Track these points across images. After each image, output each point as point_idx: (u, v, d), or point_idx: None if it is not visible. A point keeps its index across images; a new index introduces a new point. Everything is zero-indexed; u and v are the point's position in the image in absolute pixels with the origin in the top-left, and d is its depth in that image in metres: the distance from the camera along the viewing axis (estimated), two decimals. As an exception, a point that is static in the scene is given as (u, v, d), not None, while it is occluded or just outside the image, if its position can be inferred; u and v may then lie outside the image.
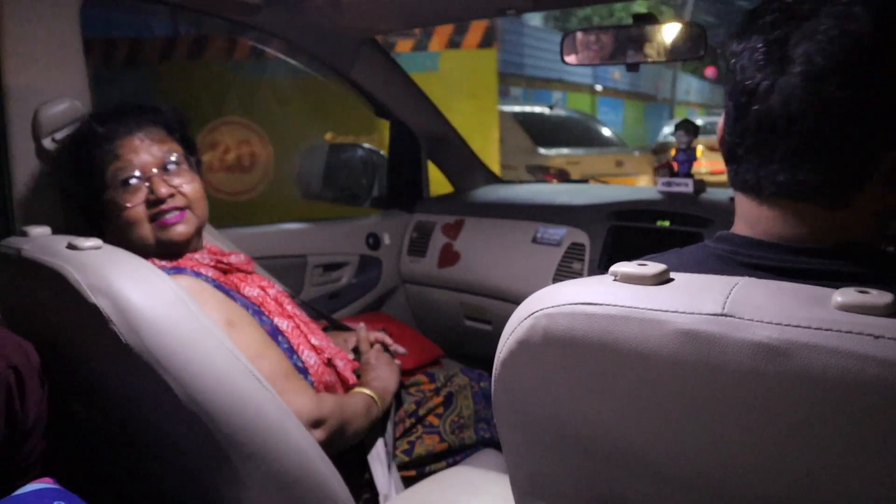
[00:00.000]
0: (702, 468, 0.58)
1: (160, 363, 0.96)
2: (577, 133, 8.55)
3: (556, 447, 0.68)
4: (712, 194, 1.85)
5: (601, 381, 0.61)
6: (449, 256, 2.24)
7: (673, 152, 1.92)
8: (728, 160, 0.77)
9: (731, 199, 0.80)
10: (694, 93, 21.50)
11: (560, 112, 9.21)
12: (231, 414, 1.00)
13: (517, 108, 8.96)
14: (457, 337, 2.26)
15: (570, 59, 1.85)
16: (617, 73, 19.27)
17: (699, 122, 13.58)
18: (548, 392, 0.65)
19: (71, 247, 1.07)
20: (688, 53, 1.71)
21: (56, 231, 1.29)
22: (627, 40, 1.76)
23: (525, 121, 7.88)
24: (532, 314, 0.63)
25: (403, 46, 5.62)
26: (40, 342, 1.28)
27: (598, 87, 17.85)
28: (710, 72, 19.79)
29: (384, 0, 1.86)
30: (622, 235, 1.87)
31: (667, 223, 1.81)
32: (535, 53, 14.38)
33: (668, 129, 13.14)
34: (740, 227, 0.77)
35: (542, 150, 7.62)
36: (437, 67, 5.53)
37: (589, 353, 0.60)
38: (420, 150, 2.45)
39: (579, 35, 1.84)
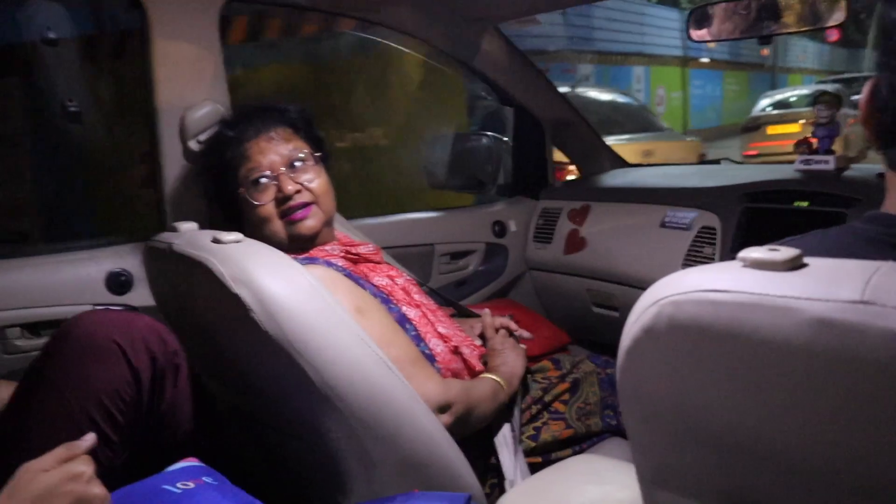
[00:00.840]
0: (834, 463, 0.55)
1: (297, 350, 1.01)
2: (603, 116, 7.16)
3: (680, 438, 0.66)
4: (858, 171, 1.73)
5: (728, 372, 0.59)
6: (575, 243, 2.22)
7: (796, 128, 1.79)
8: (879, 136, 0.71)
9: (880, 176, 0.74)
10: (811, 58, 19.72)
11: (587, 92, 8.06)
12: (363, 398, 1.04)
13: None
14: (584, 324, 2.24)
15: (699, 34, 1.78)
16: (712, 43, 18.40)
17: (804, 91, 11.52)
18: (672, 381, 0.64)
19: (215, 241, 1.14)
20: (830, 20, 1.60)
21: (202, 226, 1.38)
22: (763, 10, 1.67)
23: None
24: (657, 301, 0.62)
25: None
26: (187, 328, 1.38)
27: (706, 59, 17.04)
28: (832, 34, 17.40)
29: None
30: (757, 218, 1.78)
31: (805, 204, 1.70)
32: (609, 25, 13.55)
33: (765, 102, 12.21)
34: (893, 206, 0.71)
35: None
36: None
37: (716, 342, 0.58)
38: (544, 137, 2.43)
39: (708, 9, 1.76)
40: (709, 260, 1.81)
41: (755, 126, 11.67)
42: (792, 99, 12.21)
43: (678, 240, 1.90)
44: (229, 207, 1.46)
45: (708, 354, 0.59)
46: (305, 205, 1.40)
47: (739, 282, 0.56)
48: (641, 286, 1.95)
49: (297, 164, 1.41)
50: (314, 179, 1.42)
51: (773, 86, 17.80)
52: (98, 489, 0.88)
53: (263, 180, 1.39)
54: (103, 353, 1.11)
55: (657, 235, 1.96)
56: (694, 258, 1.84)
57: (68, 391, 1.09)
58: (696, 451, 0.66)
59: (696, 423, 0.64)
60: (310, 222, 1.40)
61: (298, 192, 1.39)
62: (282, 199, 1.39)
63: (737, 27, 1.72)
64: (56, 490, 0.84)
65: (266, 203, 1.39)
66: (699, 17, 1.78)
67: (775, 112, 11.69)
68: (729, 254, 1.78)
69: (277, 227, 1.40)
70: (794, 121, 10.81)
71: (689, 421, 0.64)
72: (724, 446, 0.62)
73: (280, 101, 1.51)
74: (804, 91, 12.47)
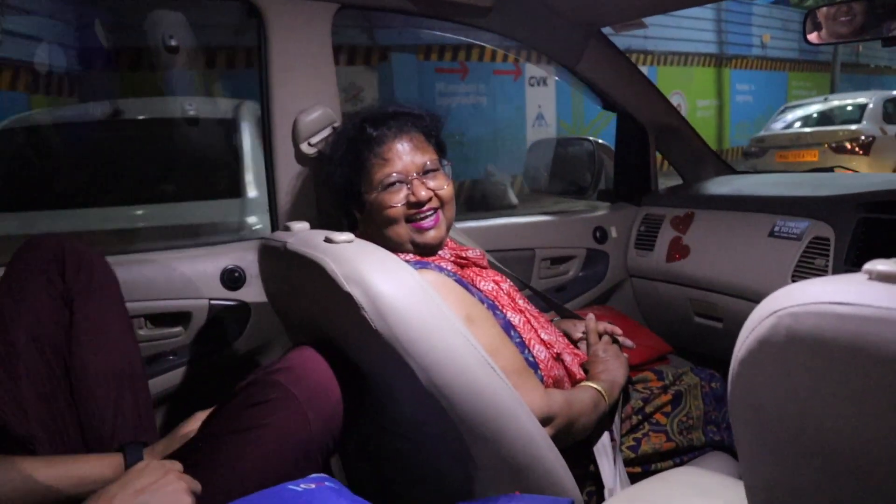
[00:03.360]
0: None
1: (405, 349, 1.04)
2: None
3: (794, 455, 0.64)
4: None
5: (849, 387, 0.57)
6: (678, 250, 2.17)
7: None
8: None
9: None
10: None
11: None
12: (468, 400, 1.05)
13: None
14: (685, 334, 2.19)
15: (813, 37, 1.71)
16: (767, 37, 15.35)
17: (840, 102, 9.25)
18: (788, 395, 0.62)
19: (328, 240, 1.19)
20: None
21: (311, 226, 1.43)
22: (885, 9, 1.59)
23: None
24: (775, 312, 0.61)
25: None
26: (297, 324, 1.43)
27: (756, 54, 14.29)
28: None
29: None
30: (875, 229, 1.69)
31: None
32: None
33: (786, 118, 9.43)
34: None
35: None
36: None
37: (837, 356, 0.56)
38: (648, 142, 2.40)
39: (824, 10, 1.70)
40: (821, 272, 1.74)
41: (759, 151, 9.20)
42: (816, 114, 9.30)
43: (788, 250, 1.83)
44: (349, 205, 1.50)
45: (828, 369, 0.58)
46: (434, 210, 1.43)
47: (865, 295, 0.55)
48: (748, 297, 1.91)
49: (429, 171, 1.45)
50: (443, 186, 1.45)
51: (833, 89, 14.45)
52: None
53: (397, 183, 1.43)
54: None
55: (765, 245, 1.90)
56: (805, 270, 1.77)
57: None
58: (811, 470, 0.64)
59: (812, 441, 0.62)
60: (435, 233, 1.43)
61: (430, 199, 1.43)
62: (412, 204, 1.42)
63: (852, 29, 1.65)
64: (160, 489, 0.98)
65: (396, 205, 1.42)
66: (813, 20, 1.72)
67: (790, 132, 9.08)
68: (843, 266, 1.70)
69: (402, 229, 1.43)
70: (812, 145, 8.56)
71: (804, 437, 0.63)
72: (839, 466, 0.61)
73: (415, 107, 1.54)
74: (841, 102, 9.42)
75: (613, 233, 2.34)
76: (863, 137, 8.41)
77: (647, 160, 2.42)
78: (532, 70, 11.35)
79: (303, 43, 1.70)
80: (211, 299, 1.73)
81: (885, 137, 8.48)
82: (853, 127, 8.60)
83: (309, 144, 1.65)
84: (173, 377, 1.72)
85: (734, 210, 2.07)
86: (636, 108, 2.33)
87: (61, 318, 1.34)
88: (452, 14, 1.92)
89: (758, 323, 0.62)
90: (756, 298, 1.88)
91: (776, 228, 1.90)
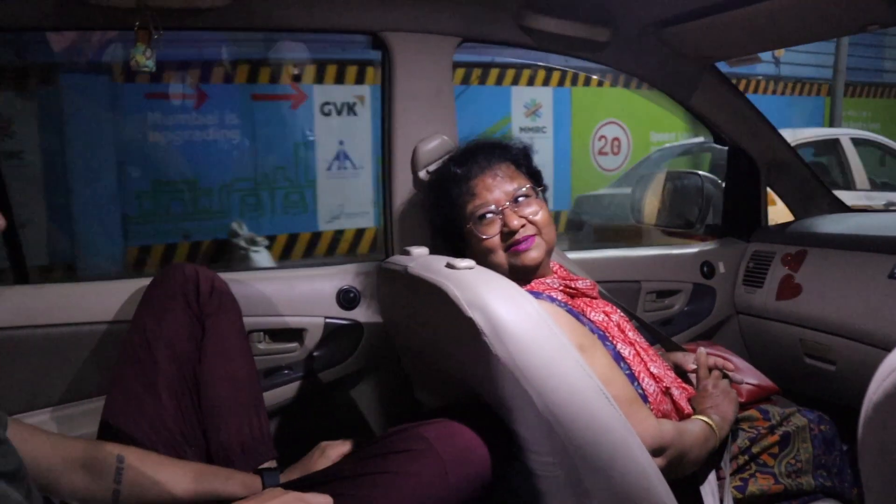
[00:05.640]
0: None
1: (524, 375, 1.07)
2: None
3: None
4: None
5: None
6: (789, 288, 2.12)
7: None
8: None
9: None
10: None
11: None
12: (582, 428, 1.08)
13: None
14: (793, 374, 2.13)
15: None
16: (781, 51, 10.32)
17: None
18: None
19: (449, 266, 1.23)
20: None
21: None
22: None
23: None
24: None
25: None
26: (411, 345, 1.49)
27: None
28: None
29: (735, 25, 1.84)
30: None
31: None
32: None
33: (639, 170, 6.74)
34: None
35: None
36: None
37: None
38: (759, 176, 2.36)
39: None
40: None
41: (578, 224, 7.11)
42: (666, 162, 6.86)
43: (910, 293, 1.77)
44: (452, 237, 1.56)
45: None
46: (529, 237, 1.47)
47: None
48: (866, 341, 1.85)
49: (521, 198, 1.50)
50: (538, 212, 1.49)
51: (832, 120, 10.95)
52: None
53: (489, 215, 1.49)
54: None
55: (885, 287, 1.83)
56: (928, 315, 1.71)
57: None
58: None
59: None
60: (533, 253, 1.48)
61: (523, 225, 1.47)
62: (507, 234, 1.47)
63: None
64: None
65: (492, 237, 1.48)
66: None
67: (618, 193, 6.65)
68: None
69: (501, 258, 1.48)
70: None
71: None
72: None
73: (503, 140, 1.59)
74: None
75: (721, 268, 2.31)
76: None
77: (757, 195, 2.38)
78: (331, 93, 7.78)
79: (425, 74, 1.78)
80: (326, 317, 1.81)
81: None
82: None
83: (427, 172, 1.71)
84: (287, 391, 1.80)
85: (851, 249, 2.01)
86: (748, 143, 2.30)
87: (195, 334, 1.45)
88: (570, 48, 1.96)
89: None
90: (875, 343, 1.82)
91: (897, 270, 1.83)
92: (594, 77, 9.11)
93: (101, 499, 1.15)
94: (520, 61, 9.03)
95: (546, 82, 9.50)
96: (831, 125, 10.84)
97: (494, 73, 9.13)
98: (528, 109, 9.42)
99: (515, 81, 9.34)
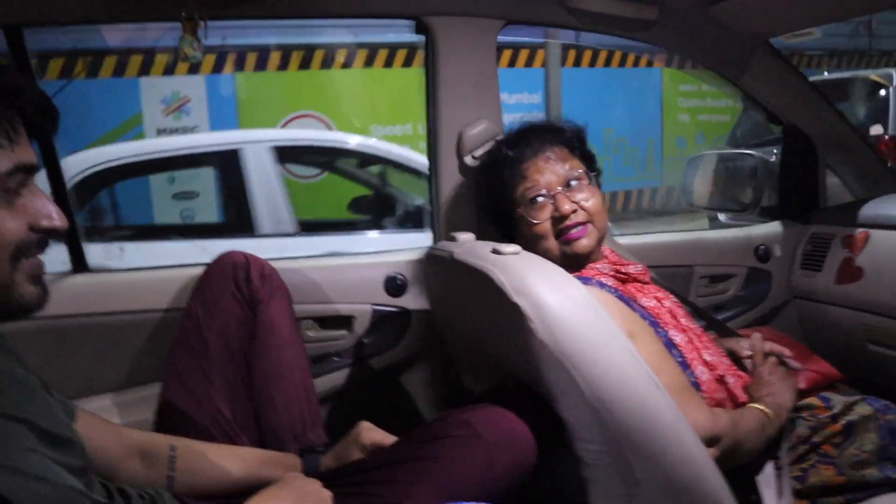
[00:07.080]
0: None
1: (570, 361, 1.06)
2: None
3: None
4: None
5: None
6: (850, 272, 2.05)
7: None
8: None
9: None
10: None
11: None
12: (631, 415, 1.06)
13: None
14: (856, 362, 2.06)
15: None
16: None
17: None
18: None
19: (495, 252, 1.22)
20: None
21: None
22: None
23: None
24: None
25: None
26: (456, 330, 1.48)
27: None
28: None
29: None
30: None
31: None
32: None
33: None
34: None
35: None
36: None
37: None
38: (817, 157, 2.28)
39: None
40: None
41: None
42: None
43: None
44: (503, 222, 1.54)
45: None
46: (581, 224, 1.44)
47: None
48: (934, 326, 1.77)
49: (573, 183, 1.47)
50: (589, 198, 1.46)
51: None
52: None
53: (540, 199, 1.46)
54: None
55: (952, 270, 1.76)
56: None
57: None
58: None
59: None
60: (584, 241, 1.45)
61: (574, 211, 1.44)
62: (558, 219, 1.44)
63: None
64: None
65: (543, 221, 1.45)
66: None
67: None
68: None
69: (552, 244, 1.46)
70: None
71: None
72: None
73: (556, 122, 1.56)
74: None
75: (777, 251, 2.24)
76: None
77: (815, 175, 2.30)
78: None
79: (469, 58, 1.76)
80: (374, 304, 1.81)
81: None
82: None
83: (473, 157, 1.70)
84: (337, 378, 1.81)
85: None
86: (805, 123, 2.22)
87: (247, 321, 1.47)
88: (615, 28, 1.92)
89: None
90: None
91: (967, 253, 1.75)
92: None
93: (157, 485, 1.18)
94: (148, 44, 6.97)
95: (194, 71, 7.54)
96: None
97: (111, 61, 7.25)
98: (168, 106, 7.91)
99: (144, 71, 7.56)
